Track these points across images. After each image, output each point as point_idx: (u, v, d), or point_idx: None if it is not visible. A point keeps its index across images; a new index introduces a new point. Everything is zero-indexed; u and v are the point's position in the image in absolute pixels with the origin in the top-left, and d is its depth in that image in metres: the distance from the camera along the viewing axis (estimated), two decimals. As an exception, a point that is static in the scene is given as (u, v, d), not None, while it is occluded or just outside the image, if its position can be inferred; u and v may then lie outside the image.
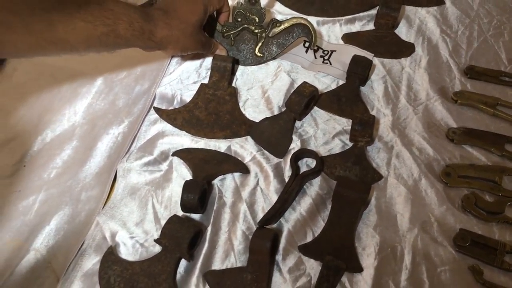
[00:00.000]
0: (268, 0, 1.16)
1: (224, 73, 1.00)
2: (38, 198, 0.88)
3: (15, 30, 0.64)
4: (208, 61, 1.05)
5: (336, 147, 0.93)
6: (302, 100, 0.92)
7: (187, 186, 0.84)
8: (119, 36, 0.82)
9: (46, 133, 0.96)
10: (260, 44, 1.03)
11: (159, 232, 0.83)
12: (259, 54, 1.03)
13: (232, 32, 1.04)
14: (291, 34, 1.01)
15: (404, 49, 1.05)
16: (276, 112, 0.97)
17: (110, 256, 0.81)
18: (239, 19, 1.04)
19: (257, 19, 1.03)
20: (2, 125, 0.97)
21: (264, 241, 0.78)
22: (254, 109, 0.98)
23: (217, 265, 0.81)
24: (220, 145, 0.94)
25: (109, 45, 0.82)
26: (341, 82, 1.01)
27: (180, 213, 0.85)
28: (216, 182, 0.89)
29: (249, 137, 0.95)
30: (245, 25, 1.03)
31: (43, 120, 0.98)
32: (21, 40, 0.68)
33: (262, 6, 1.02)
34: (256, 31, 1.03)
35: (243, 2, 1.03)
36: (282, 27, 1.01)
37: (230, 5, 1.05)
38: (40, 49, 0.72)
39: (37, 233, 0.85)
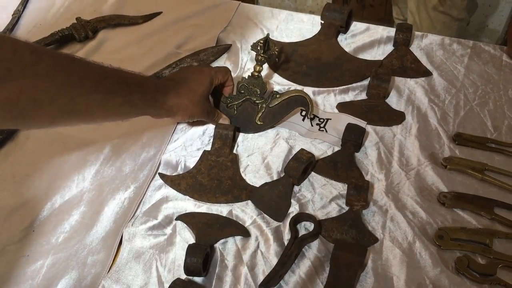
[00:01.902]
0: (267, 72, 1.24)
1: (226, 141, 1.06)
2: (46, 263, 0.92)
3: (42, 105, 0.70)
4: (211, 129, 1.11)
5: (333, 210, 0.97)
6: (300, 166, 0.97)
7: (190, 250, 0.87)
8: (134, 106, 0.88)
9: (55, 199, 1.00)
10: (260, 113, 1.10)
11: (163, 295, 0.86)
12: (259, 123, 1.10)
13: (235, 103, 1.11)
14: (290, 104, 1.08)
15: (395, 117, 1.12)
16: (275, 178, 1.02)
17: (115, 320, 0.83)
18: (242, 91, 1.11)
19: (258, 91, 1.10)
20: (14, 191, 1.02)
21: (265, 304, 0.80)
22: (254, 174, 1.03)
23: (219, 328, 0.82)
24: (222, 209, 0.98)
25: (124, 113, 0.89)
26: (336, 149, 1.07)
27: (183, 276, 0.88)
28: (218, 245, 0.93)
29: (249, 202, 0.99)
30: (248, 97, 1.10)
31: (53, 186, 1.03)
32: (47, 114, 0.74)
33: (263, 79, 1.10)
34: (258, 101, 1.10)
35: (246, 77, 1.12)
36: (281, 98, 1.09)
37: (234, 78, 1.13)
38: (62, 120, 0.78)
39: (44, 297, 0.87)
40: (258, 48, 1.13)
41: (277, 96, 1.10)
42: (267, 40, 1.13)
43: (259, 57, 1.13)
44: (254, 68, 1.13)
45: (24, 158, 1.07)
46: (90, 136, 1.11)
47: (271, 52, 1.14)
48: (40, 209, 0.99)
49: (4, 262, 0.92)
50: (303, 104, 1.08)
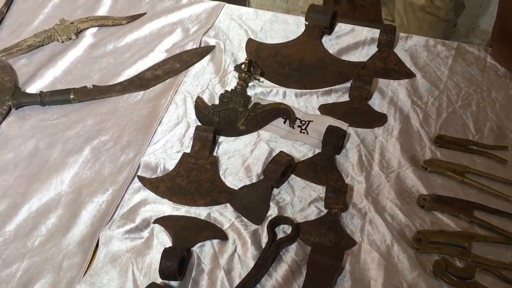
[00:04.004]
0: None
1: (205, 143, 1.05)
2: (21, 266, 0.91)
3: None
4: (192, 130, 1.10)
5: (312, 213, 0.96)
6: (279, 168, 0.97)
7: (166, 254, 0.86)
8: None
9: (33, 202, 1.00)
10: (243, 120, 1.10)
11: (138, 300, 0.85)
12: (241, 127, 1.09)
13: (217, 110, 1.11)
14: (272, 114, 1.11)
15: (377, 119, 1.11)
16: (255, 180, 1.02)
17: (88, 325, 0.82)
18: (226, 100, 1.13)
19: (242, 101, 1.12)
20: (-10, 194, 1.01)
21: (239, 308, 0.79)
22: (234, 177, 1.03)
23: (193, 333, 0.82)
24: (200, 212, 0.98)
25: None
26: (317, 151, 1.06)
27: (159, 280, 0.87)
28: (195, 249, 0.92)
29: (228, 205, 0.98)
30: (231, 106, 1.11)
31: (30, 189, 1.02)
32: None
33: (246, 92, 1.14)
34: (240, 109, 1.10)
35: (229, 90, 1.15)
36: (264, 109, 1.11)
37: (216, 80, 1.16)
38: None
39: (18, 302, 0.86)
40: (242, 69, 1.16)
41: (260, 107, 1.12)
42: (251, 63, 1.16)
43: (243, 75, 1.16)
44: (238, 83, 1.16)
45: (2, 160, 1.06)
46: (70, 138, 1.10)
47: (255, 72, 1.18)
48: (16, 212, 0.98)
49: (-21, 266, 0.91)
50: (285, 114, 1.10)
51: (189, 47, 1.30)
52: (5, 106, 1.15)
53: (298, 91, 1.19)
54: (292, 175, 1.02)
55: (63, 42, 1.32)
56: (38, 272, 0.90)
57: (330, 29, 1.32)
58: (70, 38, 1.33)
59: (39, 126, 1.13)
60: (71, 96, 1.16)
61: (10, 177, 1.04)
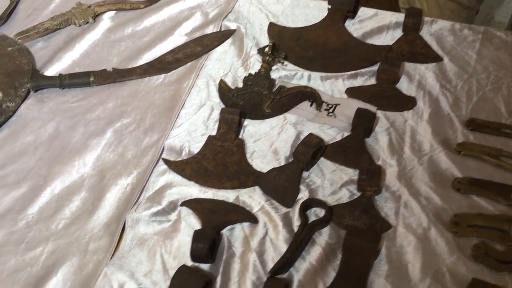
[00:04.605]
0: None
1: (231, 125, 1.02)
2: (45, 249, 0.88)
3: None
4: (216, 114, 1.07)
5: (343, 197, 0.93)
6: (309, 150, 0.94)
7: (197, 235, 0.84)
8: None
9: (55, 184, 0.97)
10: (268, 102, 1.07)
11: (168, 282, 0.82)
12: (267, 111, 1.07)
13: (242, 93, 1.08)
14: (298, 97, 1.08)
15: (406, 103, 1.08)
16: (283, 163, 0.99)
17: (118, 308, 0.79)
18: (250, 83, 1.10)
19: (266, 84, 1.09)
20: (12, 177, 0.97)
21: (276, 291, 0.76)
22: (261, 160, 1.00)
23: (227, 316, 0.79)
24: (228, 195, 0.95)
25: None
26: (346, 134, 1.03)
27: (189, 263, 0.84)
28: (224, 232, 0.89)
29: (257, 188, 0.96)
30: (256, 89, 1.08)
31: (52, 171, 0.99)
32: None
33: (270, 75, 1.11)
34: (265, 92, 1.08)
35: (253, 74, 1.12)
36: (289, 92, 1.08)
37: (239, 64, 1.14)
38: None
39: (44, 284, 0.84)
40: (265, 52, 1.14)
41: (285, 90, 1.09)
42: (274, 46, 1.14)
43: (267, 58, 1.13)
44: (262, 65, 1.13)
45: (22, 143, 1.03)
46: (91, 121, 1.07)
47: (279, 55, 1.15)
48: (39, 195, 0.95)
49: (2, 250, 0.88)
50: (311, 97, 1.08)
51: (209, 31, 1.27)
52: (23, 89, 1.12)
53: (323, 74, 1.16)
54: (322, 158, 0.99)
55: (80, 25, 1.29)
56: (63, 255, 0.87)
57: (353, 13, 1.29)
58: (88, 22, 1.30)
59: (59, 109, 1.10)
60: (91, 79, 1.14)
61: (30, 160, 1.01)
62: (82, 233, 0.90)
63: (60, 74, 1.14)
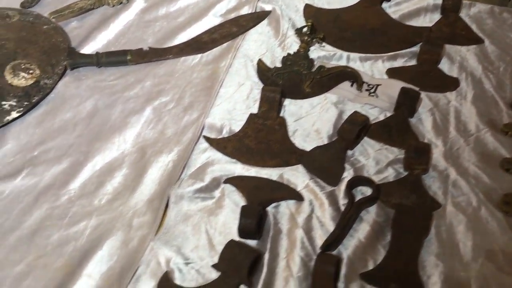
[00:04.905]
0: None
1: (273, 104, 1.01)
2: (89, 224, 0.87)
3: None
4: (255, 92, 1.06)
5: (390, 175, 0.92)
6: (355, 128, 0.93)
7: (244, 211, 0.82)
8: None
9: (96, 160, 0.96)
10: (308, 82, 1.06)
11: (214, 258, 0.82)
12: (307, 90, 1.05)
13: (281, 72, 1.07)
14: (339, 77, 1.07)
15: (449, 84, 1.07)
16: (326, 142, 0.97)
17: (166, 282, 0.79)
18: (289, 63, 1.08)
19: (306, 64, 1.09)
20: (52, 153, 0.97)
21: (328, 266, 0.75)
22: (304, 138, 0.98)
23: (276, 292, 0.78)
24: (271, 173, 0.93)
25: None
26: (388, 114, 1.01)
27: (236, 239, 0.83)
28: (269, 209, 0.88)
29: (300, 166, 0.94)
30: (295, 68, 1.06)
31: (93, 148, 0.98)
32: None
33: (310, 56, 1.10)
34: (304, 72, 1.06)
35: (292, 54, 1.11)
36: (330, 72, 1.07)
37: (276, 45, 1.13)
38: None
39: (89, 258, 0.83)
40: (304, 32, 1.14)
41: (325, 70, 1.08)
42: (313, 26, 1.13)
43: (305, 38, 1.12)
44: (301, 45, 1.12)
45: (61, 120, 1.03)
46: (129, 99, 1.06)
47: (317, 36, 1.14)
48: (80, 170, 0.95)
49: (45, 224, 0.87)
50: (352, 77, 1.06)
51: (243, 12, 1.26)
52: (60, 66, 1.11)
53: (362, 55, 1.15)
54: (365, 138, 0.98)
55: (113, 6, 1.28)
56: (107, 230, 0.86)
57: (389, -5, 1.27)
58: (121, 2, 1.29)
59: (97, 87, 1.09)
60: (128, 57, 1.13)
61: (70, 136, 1.00)
62: (125, 208, 0.89)
63: (97, 52, 1.13)
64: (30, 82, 1.06)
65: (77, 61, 1.12)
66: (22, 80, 1.06)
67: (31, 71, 1.07)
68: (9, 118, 1.02)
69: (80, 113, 1.04)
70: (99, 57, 1.12)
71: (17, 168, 0.95)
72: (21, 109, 1.03)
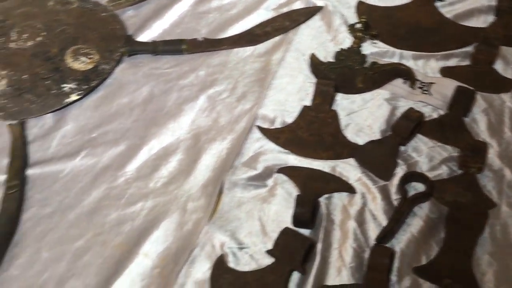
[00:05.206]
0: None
1: (326, 97, 1.02)
2: (145, 205, 0.90)
3: None
4: (307, 85, 1.07)
5: (443, 173, 0.92)
6: (410, 124, 0.93)
7: (299, 200, 0.84)
8: None
9: (153, 145, 0.98)
10: (361, 77, 1.06)
11: (267, 244, 0.83)
12: (360, 85, 1.06)
13: (334, 66, 1.08)
14: (392, 74, 1.06)
15: (504, 85, 1.06)
16: (378, 137, 0.98)
17: (221, 265, 0.80)
18: (342, 58, 1.09)
19: (359, 59, 1.09)
20: (110, 135, 1.00)
21: (383, 258, 0.76)
22: (356, 133, 0.99)
23: (329, 281, 0.79)
24: (323, 165, 0.94)
25: None
26: (441, 113, 1.01)
27: (289, 227, 0.84)
28: (322, 200, 0.89)
29: (351, 160, 0.95)
30: (348, 63, 1.07)
31: (149, 132, 1.00)
32: None
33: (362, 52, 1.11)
34: (357, 67, 1.07)
35: (345, 49, 1.11)
36: (383, 68, 1.07)
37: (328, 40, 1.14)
38: None
39: (145, 238, 0.85)
40: (357, 28, 1.13)
41: (378, 66, 1.08)
42: (367, 23, 1.13)
43: (358, 34, 1.12)
44: (354, 41, 1.13)
45: (118, 104, 1.05)
46: (184, 86, 1.08)
47: (370, 33, 1.14)
48: (136, 153, 0.97)
49: (103, 204, 0.90)
50: (406, 75, 1.06)
51: (296, 7, 1.27)
52: (118, 53, 1.14)
53: (415, 53, 1.14)
54: (418, 135, 0.98)
55: (171, -4, 1.30)
56: (163, 212, 0.88)
57: (443, -5, 1.26)
58: (177, -5, 1.31)
59: (153, 74, 1.12)
60: (183, 47, 1.15)
61: (127, 120, 1.03)
62: (180, 192, 0.91)
63: (154, 41, 1.15)
64: (90, 66, 1.09)
65: (134, 48, 1.15)
66: (82, 64, 1.09)
67: (90, 56, 1.11)
68: (69, 100, 1.05)
69: (136, 99, 1.07)
70: (155, 45, 1.14)
71: (76, 149, 0.98)
72: (81, 92, 1.06)
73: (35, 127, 1.02)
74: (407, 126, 0.93)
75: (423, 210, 0.87)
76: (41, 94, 1.05)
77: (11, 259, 0.83)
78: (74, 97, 1.05)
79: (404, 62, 1.13)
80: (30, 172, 0.95)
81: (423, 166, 0.93)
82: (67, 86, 1.06)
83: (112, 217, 0.88)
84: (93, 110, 1.05)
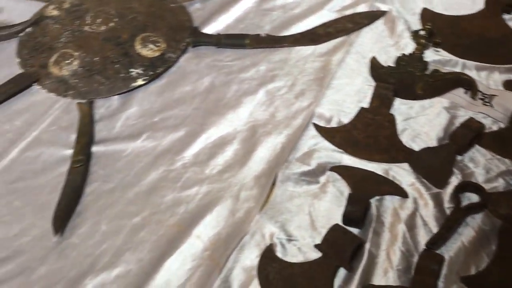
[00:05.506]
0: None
1: (384, 100, 1.03)
2: (200, 190, 0.93)
3: None
4: (365, 88, 1.08)
5: (499, 186, 0.91)
6: (469, 134, 0.92)
7: (352, 199, 0.85)
8: None
9: (211, 133, 1.02)
10: (421, 84, 1.06)
11: (316, 239, 0.85)
12: (419, 92, 1.06)
13: (395, 71, 1.08)
14: (453, 83, 1.05)
15: None
16: (434, 144, 0.97)
17: (270, 254, 0.83)
18: (403, 64, 1.09)
19: (420, 66, 1.08)
20: (171, 121, 1.04)
21: (433, 264, 0.76)
22: (412, 138, 0.99)
23: (375, 281, 0.80)
24: (377, 168, 0.95)
25: None
26: (502, 125, 1.00)
27: (339, 224, 0.85)
28: (372, 201, 0.90)
29: (406, 164, 0.95)
30: (409, 69, 1.07)
31: (208, 121, 1.04)
32: None
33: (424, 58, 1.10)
34: (418, 74, 1.07)
35: (407, 55, 1.11)
36: (444, 77, 1.06)
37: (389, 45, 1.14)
38: None
39: (199, 221, 0.88)
40: (421, 35, 1.12)
41: (440, 74, 1.07)
42: (431, 30, 1.12)
43: (421, 41, 1.11)
44: (416, 48, 1.12)
45: (180, 92, 1.10)
46: (244, 80, 1.11)
47: (433, 41, 1.13)
48: (194, 140, 1.01)
49: (160, 185, 0.94)
50: (467, 85, 1.05)
51: (359, 9, 1.28)
52: (183, 43, 1.18)
53: (479, 64, 1.13)
54: (476, 146, 0.97)
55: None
56: (216, 198, 0.91)
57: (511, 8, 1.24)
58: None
59: (215, 66, 1.15)
60: (246, 41, 1.18)
61: (188, 108, 1.07)
62: (234, 181, 0.94)
63: (218, 33, 1.19)
64: (157, 54, 1.14)
65: (199, 39, 1.19)
66: (149, 51, 1.14)
67: (158, 44, 1.15)
68: (135, 84, 1.10)
69: (198, 88, 1.11)
70: (219, 38, 1.18)
71: (138, 131, 1.03)
72: (147, 77, 1.11)
73: (102, 107, 1.07)
74: (466, 135, 0.92)
75: (475, 220, 0.86)
76: (110, 76, 1.10)
77: (73, 228, 0.88)
78: (140, 81, 1.10)
79: (466, 72, 1.11)
80: (95, 149, 1.00)
81: (479, 177, 0.92)
82: (134, 71, 1.11)
83: (168, 198, 0.92)
84: (157, 96, 1.09)
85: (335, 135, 1.00)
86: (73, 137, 1.01)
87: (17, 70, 1.14)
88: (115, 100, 1.09)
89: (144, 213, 0.90)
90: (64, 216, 0.88)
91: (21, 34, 1.21)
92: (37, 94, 1.10)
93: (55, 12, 1.23)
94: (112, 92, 1.09)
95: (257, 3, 1.32)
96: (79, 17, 1.21)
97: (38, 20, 1.21)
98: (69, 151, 0.99)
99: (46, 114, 1.06)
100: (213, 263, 0.83)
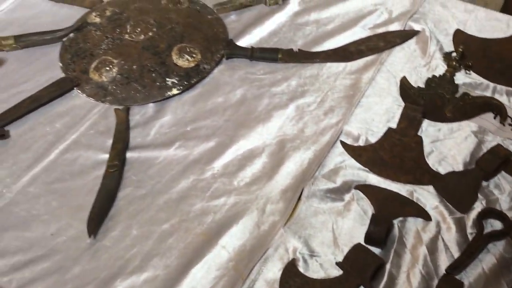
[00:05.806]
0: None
1: (413, 122, 1.04)
2: (228, 201, 0.96)
3: None
4: (394, 108, 1.10)
5: (524, 215, 0.91)
6: (496, 160, 0.93)
7: (375, 219, 0.87)
8: None
9: (240, 145, 1.05)
10: (450, 106, 1.07)
11: (338, 257, 0.87)
12: (448, 114, 1.07)
13: (425, 92, 1.09)
14: (483, 107, 1.06)
15: None
16: (460, 168, 0.98)
17: (292, 268, 0.85)
18: (434, 85, 1.10)
19: (450, 88, 1.10)
20: (203, 131, 1.08)
21: (452, 288, 0.77)
22: (439, 161, 1.00)
23: (394, 302, 0.81)
24: (401, 189, 0.96)
25: None
26: (530, 153, 1.00)
27: (362, 244, 0.87)
28: (395, 222, 0.91)
29: (431, 187, 0.96)
30: (439, 91, 1.08)
31: (238, 133, 1.07)
32: None
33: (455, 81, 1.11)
34: (448, 96, 1.08)
35: (438, 76, 1.13)
36: (474, 101, 1.07)
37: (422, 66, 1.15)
38: None
39: (225, 231, 0.91)
40: (452, 57, 1.15)
41: (469, 97, 1.08)
42: (463, 53, 1.14)
43: (453, 63, 1.13)
44: (447, 70, 1.13)
45: (213, 103, 1.13)
46: (275, 94, 1.14)
47: (465, 63, 1.14)
48: (224, 151, 1.04)
49: (190, 193, 0.97)
50: (497, 110, 1.06)
51: (392, 28, 1.29)
52: (218, 55, 1.22)
53: (510, 89, 1.13)
54: (503, 173, 0.97)
55: (270, 5, 1.37)
56: (243, 210, 0.94)
57: (546, 33, 1.23)
58: (277, 3, 1.37)
59: (247, 78, 1.19)
60: (279, 56, 1.21)
61: (219, 119, 1.10)
62: (261, 193, 0.97)
63: (252, 47, 1.22)
64: (192, 64, 1.18)
65: (234, 52, 1.22)
66: (185, 62, 1.18)
67: (194, 55, 1.19)
68: (170, 93, 1.14)
69: (230, 100, 1.14)
70: (253, 51, 1.21)
71: (171, 139, 1.07)
72: (181, 87, 1.15)
73: (137, 114, 1.12)
74: (493, 161, 0.93)
75: (497, 248, 0.87)
76: (146, 85, 1.15)
77: (106, 230, 0.92)
78: (175, 91, 1.14)
79: (497, 96, 1.12)
80: (129, 155, 1.04)
81: (504, 204, 0.93)
82: (170, 81, 1.15)
83: (197, 207, 0.95)
84: (190, 105, 1.13)
85: (362, 153, 1.02)
86: (109, 141, 1.05)
87: (59, 74, 1.19)
88: (150, 107, 1.13)
89: (173, 221, 0.94)
90: (98, 219, 0.93)
91: (64, 39, 1.26)
92: (77, 98, 1.15)
93: (97, 19, 1.28)
94: (148, 100, 1.13)
95: (291, 18, 1.35)
96: (119, 25, 1.26)
97: (81, 27, 1.27)
98: (105, 155, 1.03)
99: (85, 118, 1.10)
100: (237, 273, 0.86)
